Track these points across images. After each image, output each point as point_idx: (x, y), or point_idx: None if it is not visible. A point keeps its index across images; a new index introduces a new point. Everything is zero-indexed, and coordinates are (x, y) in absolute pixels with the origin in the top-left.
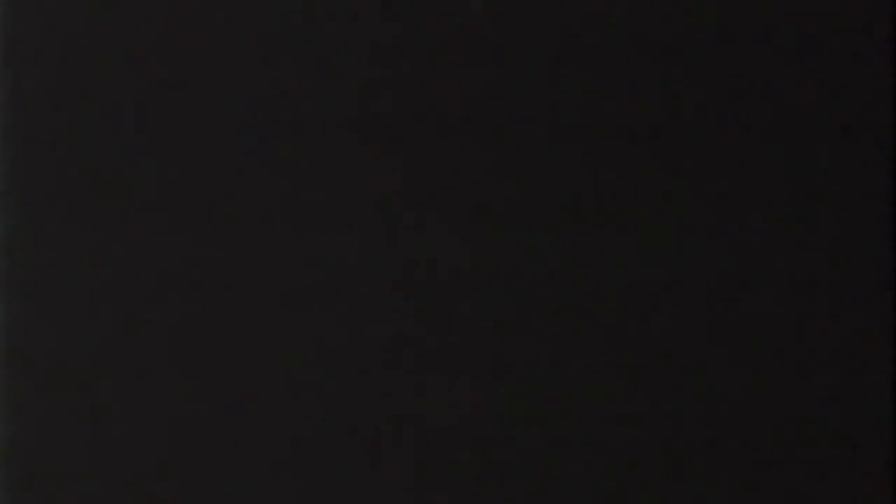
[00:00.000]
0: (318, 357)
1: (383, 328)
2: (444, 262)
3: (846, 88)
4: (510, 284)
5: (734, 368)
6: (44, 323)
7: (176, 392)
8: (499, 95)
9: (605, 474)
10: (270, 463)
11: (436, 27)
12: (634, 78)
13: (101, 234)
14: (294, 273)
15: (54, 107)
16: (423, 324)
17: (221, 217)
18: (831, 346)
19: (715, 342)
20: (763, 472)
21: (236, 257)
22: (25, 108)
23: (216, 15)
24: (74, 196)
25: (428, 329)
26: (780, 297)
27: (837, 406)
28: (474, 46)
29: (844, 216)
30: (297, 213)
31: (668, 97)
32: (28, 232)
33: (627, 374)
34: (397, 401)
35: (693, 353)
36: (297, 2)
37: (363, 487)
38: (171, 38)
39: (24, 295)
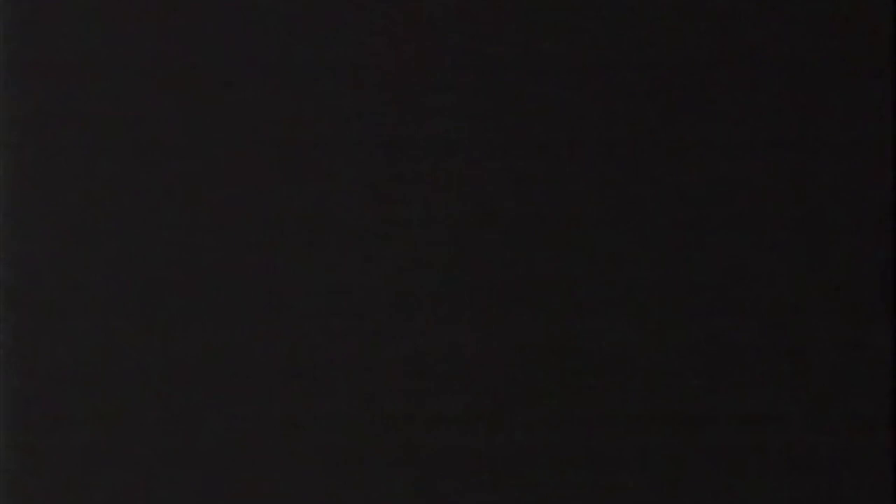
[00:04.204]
0: (319, 359)
1: (387, 327)
2: (446, 261)
3: (846, 89)
4: (512, 285)
5: (733, 368)
6: (44, 324)
7: (176, 393)
8: (500, 100)
9: (609, 477)
10: (270, 464)
11: (441, 37)
12: (633, 80)
13: (103, 235)
14: (294, 275)
15: (55, 108)
16: (423, 322)
17: (222, 220)
18: (831, 347)
19: (715, 342)
20: (763, 471)
21: (237, 259)
22: (26, 109)
23: (220, 18)
24: (75, 197)
25: (430, 326)
26: (781, 297)
27: (837, 406)
28: (479, 55)
29: (844, 216)
30: (298, 216)
31: (666, 98)
32: (28, 233)
33: (628, 374)
34: (397, 402)
35: (692, 353)
36: (299, 4)
37: (363, 488)
38: (172, 38)
39: (25, 296)
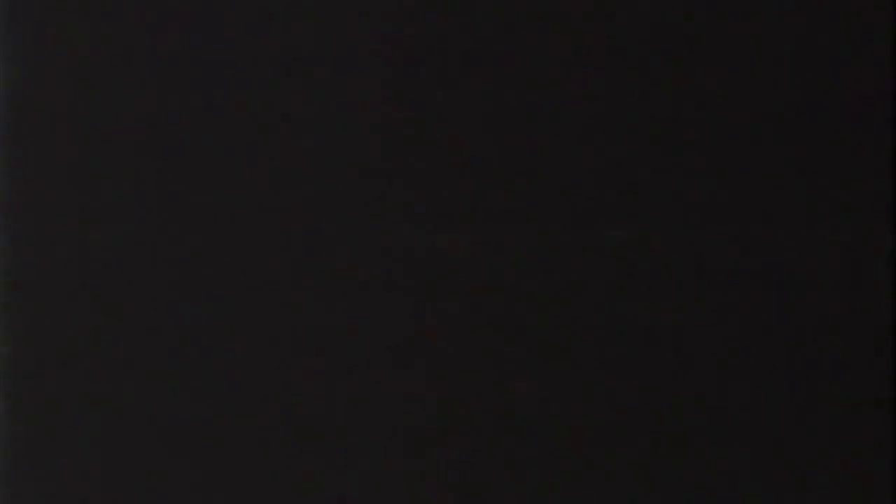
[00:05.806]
0: (318, 357)
1: (384, 327)
2: (448, 261)
3: (846, 89)
4: (512, 286)
5: (734, 367)
6: (44, 324)
7: (177, 393)
8: (500, 95)
9: (611, 477)
10: (269, 463)
11: (444, 37)
12: (633, 79)
13: (103, 235)
14: (294, 275)
15: (55, 108)
16: (423, 322)
17: (222, 219)
18: (831, 347)
19: (715, 342)
20: (763, 471)
21: (238, 259)
22: (25, 109)
23: (221, 17)
24: (75, 197)
25: (428, 328)
26: (781, 297)
27: (837, 406)
28: (480, 51)
29: (845, 216)
30: (298, 216)
31: (665, 98)
32: (28, 234)
33: (629, 374)
34: (396, 401)
35: (693, 352)
36: (303, 4)
37: (361, 486)
38: (173, 38)
39: (25, 296)
